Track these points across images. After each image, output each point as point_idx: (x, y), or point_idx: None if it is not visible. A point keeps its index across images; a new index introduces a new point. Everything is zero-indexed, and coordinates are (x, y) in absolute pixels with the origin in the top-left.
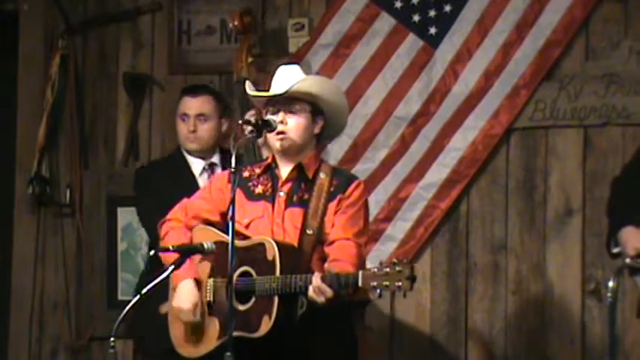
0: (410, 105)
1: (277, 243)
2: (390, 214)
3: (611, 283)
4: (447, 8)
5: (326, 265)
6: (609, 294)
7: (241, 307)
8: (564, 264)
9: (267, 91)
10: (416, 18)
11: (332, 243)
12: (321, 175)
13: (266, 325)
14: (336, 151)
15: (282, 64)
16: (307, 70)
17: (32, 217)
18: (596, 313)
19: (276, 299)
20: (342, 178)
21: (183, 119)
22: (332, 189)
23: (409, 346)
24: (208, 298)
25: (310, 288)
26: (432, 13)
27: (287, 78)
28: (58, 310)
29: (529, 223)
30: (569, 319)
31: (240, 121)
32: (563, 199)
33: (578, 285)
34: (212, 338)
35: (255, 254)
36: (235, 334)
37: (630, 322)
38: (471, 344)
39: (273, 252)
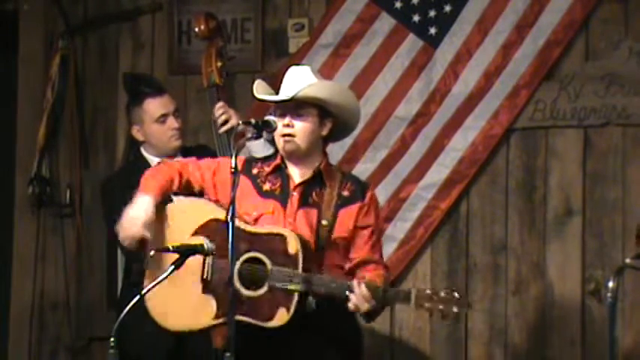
0: (410, 105)
1: (300, 237)
2: (390, 214)
3: (611, 283)
4: (447, 8)
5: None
6: (609, 294)
7: (248, 293)
8: (564, 264)
9: (276, 92)
10: (416, 18)
11: (364, 262)
12: (333, 178)
13: (282, 317)
14: (336, 151)
15: (292, 65)
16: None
17: (32, 217)
18: (596, 313)
19: (296, 294)
20: (356, 184)
21: (162, 121)
22: (346, 193)
23: (409, 347)
24: (205, 276)
25: (355, 295)
26: (432, 13)
27: (296, 81)
28: (58, 311)
29: (529, 223)
30: (569, 319)
31: (240, 122)
32: (563, 199)
33: (578, 285)
34: (206, 316)
35: (271, 243)
36: (242, 318)
37: (630, 322)
38: (470, 344)
39: (296, 246)
